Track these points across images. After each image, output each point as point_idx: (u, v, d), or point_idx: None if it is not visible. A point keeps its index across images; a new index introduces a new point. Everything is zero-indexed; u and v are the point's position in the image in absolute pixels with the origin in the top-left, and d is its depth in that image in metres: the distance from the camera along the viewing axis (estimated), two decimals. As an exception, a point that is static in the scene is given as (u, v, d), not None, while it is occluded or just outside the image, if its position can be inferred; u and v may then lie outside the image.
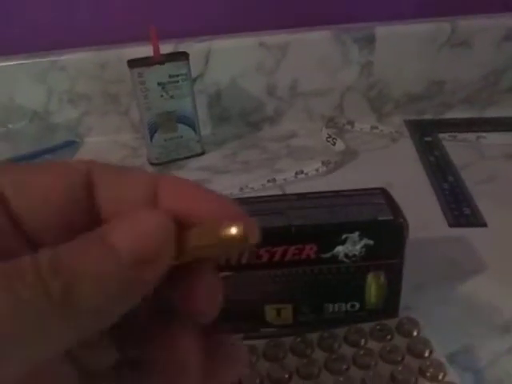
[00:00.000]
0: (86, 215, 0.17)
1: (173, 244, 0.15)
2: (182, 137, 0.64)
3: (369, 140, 0.66)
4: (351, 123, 0.68)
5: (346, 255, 0.33)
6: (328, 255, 0.32)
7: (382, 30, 0.66)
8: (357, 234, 0.32)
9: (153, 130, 0.62)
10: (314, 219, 0.32)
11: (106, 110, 0.71)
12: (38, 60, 0.68)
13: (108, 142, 0.71)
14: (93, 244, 0.15)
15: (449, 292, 0.40)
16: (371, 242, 0.32)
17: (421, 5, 0.68)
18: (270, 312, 0.35)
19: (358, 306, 0.35)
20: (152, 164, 0.64)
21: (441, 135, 0.65)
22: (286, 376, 0.29)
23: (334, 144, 0.62)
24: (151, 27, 0.58)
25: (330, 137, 0.63)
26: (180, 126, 0.63)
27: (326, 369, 0.29)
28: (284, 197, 0.36)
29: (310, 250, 0.32)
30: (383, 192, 0.35)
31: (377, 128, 0.67)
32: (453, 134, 0.65)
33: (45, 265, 0.14)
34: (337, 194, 0.35)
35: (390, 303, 0.35)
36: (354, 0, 0.68)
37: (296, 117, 0.71)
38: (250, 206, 0.34)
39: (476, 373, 0.32)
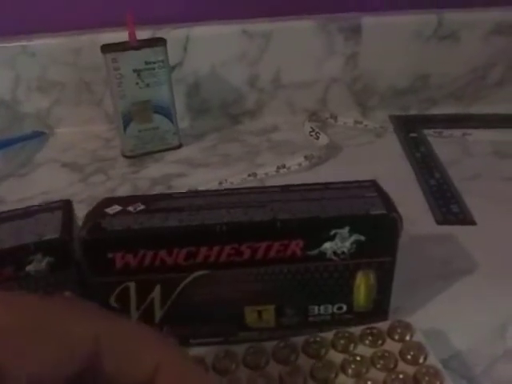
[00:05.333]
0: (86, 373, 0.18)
1: None
2: (157, 128, 0.60)
3: (353, 135, 0.63)
4: (334, 117, 0.66)
5: (335, 252, 0.30)
6: (315, 252, 0.30)
7: (368, 21, 0.64)
8: (347, 229, 0.29)
9: (127, 120, 0.59)
10: (301, 213, 0.30)
11: (79, 100, 0.67)
12: (5, 45, 0.64)
13: (80, 132, 0.67)
14: None
15: (439, 292, 0.38)
16: (362, 238, 0.30)
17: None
18: (250, 314, 0.32)
19: (345, 308, 0.32)
20: (126, 157, 0.61)
21: (426, 131, 0.63)
22: (269, 385, 0.26)
23: (318, 138, 0.60)
24: (128, 11, 0.55)
25: (313, 131, 0.60)
26: (156, 116, 0.60)
27: (311, 377, 0.27)
28: (267, 189, 0.34)
29: (295, 246, 0.30)
30: (374, 184, 0.33)
31: (361, 123, 0.65)
32: (438, 130, 0.63)
33: None
34: (325, 186, 0.32)
35: (380, 305, 0.32)
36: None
37: (278, 110, 0.68)
38: (231, 197, 0.32)
39: (471, 379, 0.30)
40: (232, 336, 0.33)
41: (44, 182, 0.57)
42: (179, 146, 0.62)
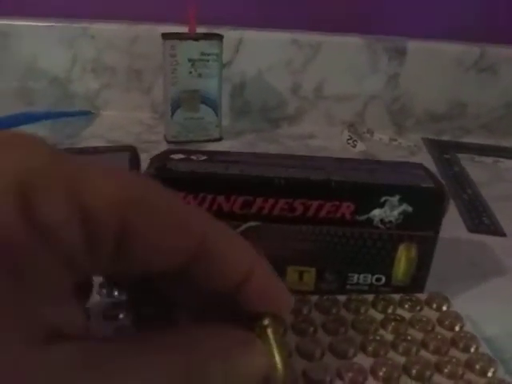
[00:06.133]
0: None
1: None
2: (202, 118, 0.63)
3: (388, 150, 0.65)
4: (371, 132, 0.68)
5: (382, 220, 0.31)
6: (363, 218, 0.31)
7: (414, 45, 0.67)
8: (397, 197, 0.31)
9: (175, 107, 0.61)
10: (355, 178, 0.31)
11: (128, 86, 0.70)
12: (68, 25, 0.68)
13: (125, 117, 0.70)
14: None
15: (469, 287, 0.38)
16: (410, 209, 0.31)
17: (453, 28, 0.69)
18: (291, 274, 0.33)
19: (383, 279, 0.33)
20: (169, 142, 0.63)
21: (459, 155, 0.65)
22: (311, 329, 0.27)
23: (355, 146, 0.62)
24: (191, 3, 0.58)
25: (350, 138, 0.63)
26: (202, 106, 0.62)
27: (352, 328, 0.28)
28: (322, 158, 0.35)
29: (346, 208, 0.31)
30: (422, 166, 0.34)
31: (396, 140, 0.67)
32: (470, 155, 0.65)
33: None
34: (377, 162, 0.34)
35: (417, 281, 0.33)
36: (390, 13, 0.69)
37: (317, 119, 0.71)
38: (289, 160, 0.34)
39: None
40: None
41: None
42: (220, 139, 0.64)
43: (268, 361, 0.20)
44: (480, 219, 0.49)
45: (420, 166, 0.34)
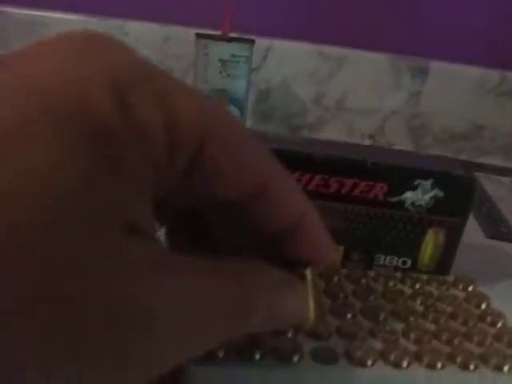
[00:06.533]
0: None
1: None
2: (228, 118, 0.64)
3: (405, 163, 0.67)
4: (391, 145, 0.69)
5: (413, 203, 0.33)
6: (395, 199, 0.32)
7: (437, 65, 0.69)
8: (430, 181, 0.32)
9: (203, 104, 0.63)
10: (390, 160, 0.33)
11: (156, 84, 0.72)
12: (102, 21, 0.70)
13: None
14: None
15: (491, 283, 0.39)
16: (441, 194, 0.32)
17: (475, 52, 0.72)
18: (320, 252, 0.34)
19: (409, 263, 0.34)
20: (193, 138, 0.64)
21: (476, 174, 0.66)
22: (342, 295, 0.28)
23: (375, 155, 0.63)
24: (227, 6, 0.61)
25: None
26: (230, 106, 0.64)
27: (382, 297, 0.29)
28: (358, 144, 0.37)
29: (379, 189, 0.32)
30: (458, 160, 0.36)
31: (418, 152, 0.68)
32: (487, 174, 0.66)
33: None
34: (412, 151, 0.35)
35: (442, 267, 0.34)
36: (416, 33, 0.71)
37: (337, 129, 0.72)
38: (325, 143, 0.35)
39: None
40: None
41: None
42: (243, 140, 0.66)
43: (306, 306, 0.20)
44: (498, 228, 0.50)
45: (455, 159, 0.36)
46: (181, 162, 0.16)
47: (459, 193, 0.32)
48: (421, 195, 0.32)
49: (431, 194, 0.32)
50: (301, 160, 0.32)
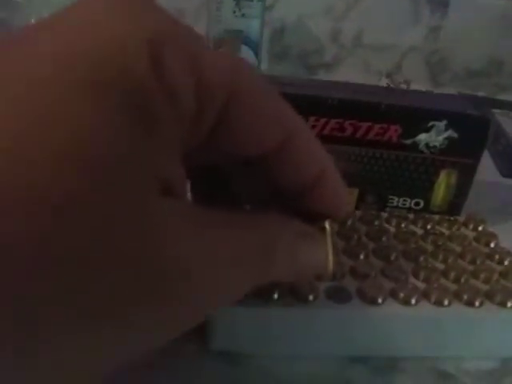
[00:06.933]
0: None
1: None
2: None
3: (423, 101, 0.66)
4: (408, 82, 0.68)
5: (427, 145, 0.33)
6: (409, 141, 0.33)
7: (457, -3, 0.67)
8: (444, 122, 0.32)
9: (217, 46, 0.63)
10: (404, 102, 0.33)
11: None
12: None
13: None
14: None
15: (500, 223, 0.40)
16: (455, 135, 0.32)
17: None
18: (334, 194, 0.35)
19: (422, 204, 0.35)
20: (208, 80, 0.64)
21: (494, 111, 0.66)
22: (356, 236, 0.29)
23: (391, 94, 0.63)
24: None
25: (389, 86, 0.63)
26: (243, 47, 0.63)
27: (394, 238, 0.30)
28: (372, 86, 0.37)
29: (393, 132, 0.33)
30: (472, 98, 0.35)
31: (432, 92, 0.67)
32: (505, 111, 0.65)
33: None
34: (426, 91, 0.35)
35: (454, 209, 0.35)
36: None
37: (354, 67, 0.71)
38: (341, 84, 0.35)
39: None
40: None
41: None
42: (258, 81, 0.66)
43: (326, 257, 0.21)
44: (513, 167, 0.50)
45: (471, 98, 0.36)
46: (208, 119, 0.16)
47: (473, 133, 0.33)
48: (435, 137, 0.33)
49: (445, 135, 0.33)
50: (316, 104, 0.32)
